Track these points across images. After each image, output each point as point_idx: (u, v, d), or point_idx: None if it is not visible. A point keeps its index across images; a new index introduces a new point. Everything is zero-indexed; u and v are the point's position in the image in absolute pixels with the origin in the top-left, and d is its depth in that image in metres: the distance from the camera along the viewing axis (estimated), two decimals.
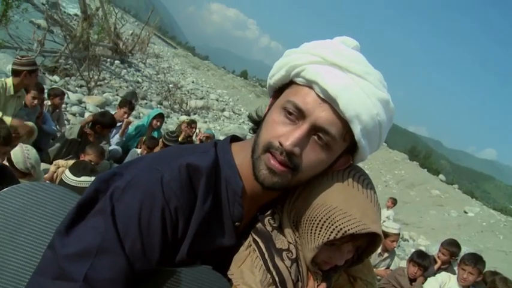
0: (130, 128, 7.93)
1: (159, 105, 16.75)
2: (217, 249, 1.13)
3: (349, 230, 1.03)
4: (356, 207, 1.07)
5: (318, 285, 1.17)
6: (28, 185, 1.14)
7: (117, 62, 20.06)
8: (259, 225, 1.18)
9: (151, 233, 1.00)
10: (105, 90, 13.92)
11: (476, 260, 5.11)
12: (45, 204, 1.13)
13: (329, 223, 1.06)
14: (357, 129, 1.05)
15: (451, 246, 6.20)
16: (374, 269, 5.98)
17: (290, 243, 1.15)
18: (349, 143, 1.10)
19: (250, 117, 1.25)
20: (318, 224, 1.08)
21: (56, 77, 12.00)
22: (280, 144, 1.04)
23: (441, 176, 36.43)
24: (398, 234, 6.54)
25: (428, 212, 22.40)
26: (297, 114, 1.05)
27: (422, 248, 9.23)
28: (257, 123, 1.19)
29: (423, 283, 5.25)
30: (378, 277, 5.97)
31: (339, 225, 1.04)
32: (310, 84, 1.06)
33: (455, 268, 5.59)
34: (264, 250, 1.12)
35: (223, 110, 26.10)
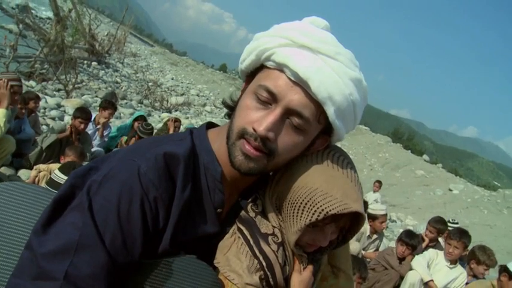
0: (113, 129, 7.88)
1: (139, 104, 16.60)
2: (200, 238, 1.12)
3: (330, 210, 1.03)
4: (337, 187, 1.07)
5: (304, 268, 1.17)
6: (0, 185, 1.11)
7: (94, 63, 19.80)
8: (242, 212, 1.18)
9: (132, 225, 0.98)
10: (84, 92, 13.71)
11: (461, 234, 5.25)
12: (19, 204, 1.11)
13: (310, 205, 1.06)
14: (330, 111, 1.04)
15: (437, 223, 6.36)
16: (363, 252, 6.07)
17: (275, 227, 1.15)
18: (324, 124, 1.10)
19: (224, 103, 1.24)
20: (299, 206, 1.08)
21: (32, 82, 11.79)
22: (254, 130, 1.03)
23: (425, 156, 36.78)
24: (386, 215, 6.59)
25: (414, 192, 22.67)
26: (269, 98, 1.04)
27: (410, 228, 9.34)
28: (231, 108, 1.18)
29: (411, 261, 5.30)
30: (368, 259, 6.01)
31: (320, 206, 1.04)
32: (280, 68, 1.04)
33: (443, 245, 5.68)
34: (248, 236, 1.12)
35: (204, 105, 25.98)
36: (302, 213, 1.07)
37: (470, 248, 5.54)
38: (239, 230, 1.14)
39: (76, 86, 13.16)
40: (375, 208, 6.62)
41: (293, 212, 1.09)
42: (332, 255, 1.33)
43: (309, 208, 1.06)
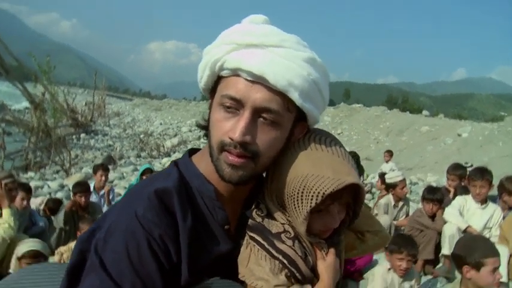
0: (123, 193, 7.92)
1: (137, 158, 16.67)
2: (217, 258, 1.13)
3: (326, 190, 1.04)
4: (325, 167, 1.08)
5: (326, 253, 1.18)
6: (30, 268, 1.20)
7: (82, 135, 19.98)
8: (249, 221, 1.18)
9: (147, 267, 1.00)
10: (82, 165, 13.81)
11: (482, 172, 5.17)
12: (40, 283, 1.16)
13: (306, 192, 1.06)
14: (295, 96, 1.05)
15: (456, 170, 6.29)
16: (394, 222, 6.03)
17: (284, 224, 1.15)
18: (295, 111, 1.11)
19: (198, 125, 1.26)
20: (297, 197, 1.08)
21: (30, 173, 11.90)
22: (231, 139, 1.04)
23: (425, 112, 36.60)
24: (404, 179, 6.56)
25: (426, 149, 22.47)
26: (235, 105, 1.05)
27: (433, 184, 9.25)
28: (206, 127, 1.19)
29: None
30: (402, 228, 6.01)
31: (316, 189, 1.05)
32: (235, 73, 1.06)
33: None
34: (262, 241, 1.12)
35: (199, 138, 26.01)
36: (301, 202, 1.07)
37: (496, 182, 5.41)
38: (251, 238, 1.14)
39: (72, 162, 13.27)
40: (391, 176, 6.61)
41: (293, 204, 1.09)
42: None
43: (306, 195, 1.06)
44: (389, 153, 14.25)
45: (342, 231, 1.24)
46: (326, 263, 1.15)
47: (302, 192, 1.07)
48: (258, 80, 1.03)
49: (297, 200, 1.08)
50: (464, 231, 4.93)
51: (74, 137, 19.15)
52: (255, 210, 1.19)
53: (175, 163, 1.22)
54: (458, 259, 3.05)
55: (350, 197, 1.15)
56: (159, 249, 1.02)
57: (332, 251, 1.18)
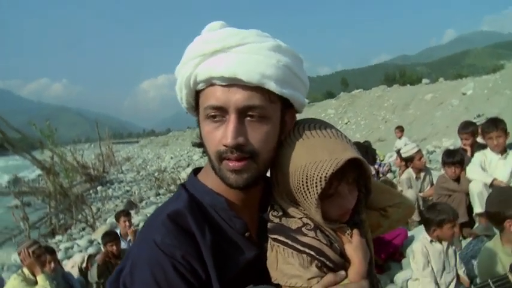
0: None
1: (157, 197, 16.75)
2: (246, 267, 1.13)
3: (327, 173, 1.05)
4: (320, 151, 1.09)
5: (350, 236, 1.16)
6: None
7: (99, 188, 20.09)
8: (268, 224, 1.18)
9: None
10: (105, 217, 13.90)
11: (495, 122, 5.12)
12: None
13: (309, 181, 1.07)
14: (272, 86, 1.06)
15: (466, 128, 6.19)
16: (420, 194, 5.98)
17: (301, 218, 1.14)
18: (279, 101, 1.11)
19: (194, 144, 1.26)
20: (302, 188, 1.09)
21: (58, 237, 12.02)
22: (225, 145, 1.05)
23: (425, 81, 36.44)
24: (419, 150, 6.52)
25: (434, 116, 22.32)
26: (220, 113, 1.06)
27: (450, 148, 9.17)
28: (201, 144, 1.19)
29: None
30: (429, 198, 5.93)
31: (317, 175, 1.06)
32: (210, 83, 1.07)
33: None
34: (285, 240, 1.11)
35: None
36: (308, 192, 1.08)
37: (511, 130, 5.32)
38: (274, 240, 1.14)
39: (95, 216, 13.37)
40: (406, 150, 6.57)
41: (302, 196, 1.10)
42: (370, 202, 1.30)
43: (310, 184, 1.07)
44: (400, 129, 14.21)
45: (361, 211, 1.23)
46: (353, 245, 1.14)
47: (306, 183, 1.08)
48: (233, 82, 1.04)
49: (304, 191, 1.09)
50: (491, 185, 4.86)
51: (91, 191, 19.30)
52: (271, 212, 1.20)
53: (182, 185, 1.24)
54: (496, 216, 2.98)
55: (355, 173, 1.15)
56: (185, 271, 1.03)
57: (356, 231, 1.17)
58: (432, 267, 3.69)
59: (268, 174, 1.23)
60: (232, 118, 1.05)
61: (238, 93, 1.04)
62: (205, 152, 1.17)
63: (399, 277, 4.66)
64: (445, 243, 3.75)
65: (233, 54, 1.06)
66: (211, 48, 1.07)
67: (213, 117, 1.07)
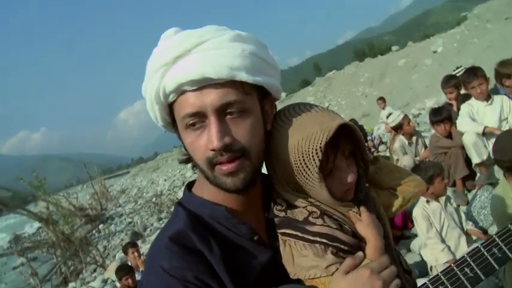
0: None
1: (160, 221, 16.65)
2: (263, 270, 1.10)
3: (321, 143, 1.04)
4: (310, 125, 1.08)
5: (360, 214, 1.15)
6: None
7: (100, 226, 19.94)
8: (275, 220, 1.16)
9: None
10: (114, 253, 13.80)
11: (474, 71, 5.11)
12: None
13: (306, 155, 1.06)
14: (244, 76, 1.02)
15: (448, 82, 6.17)
16: (417, 158, 5.99)
17: (306, 206, 1.13)
18: (254, 90, 1.08)
19: (180, 162, 1.22)
20: (301, 166, 1.07)
21: (71, 284, 11.88)
22: (213, 150, 1.01)
23: (394, 48, 36.80)
24: (405, 115, 6.57)
25: (411, 79, 22.50)
26: (198, 119, 1.02)
27: (435, 106, 9.21)
28: (188, 159, 1.15)
29: None
30: (426, 159, 5.89)
31: (312, 148, 1.05)
32: (180, 91, 1.02)
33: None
34: (294, 232, 1.10)
35: None
36: (308, 168, 1.06)
37: (490, 75, 5.40)
38: (283, 234, 1.12)
39: (103, 255, 13.26)
40: (392, 120, 6.60)
41: (303, 175, 1.08)
42: (379, 182, 1.32)
43: (307, 159, 1.06)
44: (382, 100, 14.31)
45: (364, 187, 1.22)
46: (364, 223, 1.13)
47: (303, 159, 1.07)
48: (203, 84, 1.00)
49: (303, 170, 1.08)
50: (483, 133, 4.90)
51: (93, 232, 19.14)
52: (274, 207, 1.17)
53: (178, 203, 1.19)
54: (508, 162, 2.89)
55: (349, 145, 1.14)
56: None
57: (363, 209, 1.16)
58: (436, 228, 3.67)
59: (264, 170, 1.20)
60: (212, 120, 1.01)
61: (211, 93, 1.00)
62: (194, 165, 1.12)
63: (415, 244, 4.64)
64: (442, 200, 3.75)
65: (195, 54, 1.01)
66: (171, 55, 1.02)
67: (192, 125, 1.03)
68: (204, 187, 1.14)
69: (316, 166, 1.05)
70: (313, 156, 1.05)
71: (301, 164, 1.07)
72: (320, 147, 1.04)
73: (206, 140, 1.02)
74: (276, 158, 1.13)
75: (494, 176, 5.02)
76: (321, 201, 1.13)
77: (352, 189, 1.16)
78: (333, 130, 1.04)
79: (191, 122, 1.03)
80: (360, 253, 1.08)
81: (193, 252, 1.03)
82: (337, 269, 1.04)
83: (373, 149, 9.14)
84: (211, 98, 1.00)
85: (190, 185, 1.24)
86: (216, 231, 1.10)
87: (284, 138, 1.10)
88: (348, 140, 1.12)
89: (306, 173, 1.07)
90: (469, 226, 3.90)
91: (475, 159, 4.94)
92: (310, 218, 1.10)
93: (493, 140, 4.74)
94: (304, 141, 1.06)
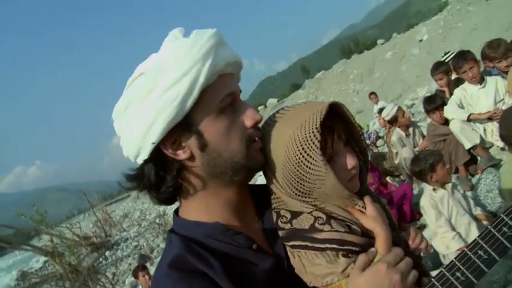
0: None
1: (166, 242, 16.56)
2: (269, 278, 1.09)
3: (316, 124, 1.04)
4: (301, 114, 1.08)
5: (365, 208, 1.13)
6: None
7: (107, 253, 19.74)
8: (280, 233, 1.14)
9: None
10: (123, 279, 13.71)
11: (463, 55, 5.05)
12: None
13: (304, 142, 1.05)
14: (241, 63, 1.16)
15: (437, 68, 6.11)
16: (416, 149, 5.93)
17: (311, 212, 1.10)
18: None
19: (162, 201, 1.16)
20: (302, 156, 1.05)
21: None
22: (255, 123, 1.11)
23: (380, 41, 36.98)
24: (399, 107, 6.55)
25: (401, 70, 22.55)
26: (232, 100, 1.10)
27: (428, 95, 9.20)
28: (174, 197, 1.17)
29: None
30: (426, 149, 5.81)
31: (309, 132, 1.04)
32: (223, 71, 1.08)
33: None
34: (303, 243, 1.08)
35: None
36: (309, 156, 1.05)
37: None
38: (292, 247, 1.11)
39: (113, 282, 13.16)
40: (386, 113, 6.57)
41: (306, 166, 1.05)
42: None
43: (307, 146, 1.04)
44: (374, 95, 14.38)
45: (365, 178, 1.23)
46: (370, 216, 1.11)
47: (302, 147, 1.05)
48: (235, 70, 1.13)
49: (304, 158, 1.05)
50: (469, 119, 4.89)
51: (100, 259, 18.95)
52: (278, 220, 1.15)
53: (170, 231, 1.19)
54: None
55: (343, 128, 1.14)
56: None
57: (368, 199, 1.14)
58: (445, 215, 3.63)
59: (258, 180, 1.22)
60: (243, 102, 1.13)
61: (236, 79, 1.15)
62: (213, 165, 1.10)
63: (425, 235, 4.51)
64: (449, 187, 3.70)
65: (225, 44, 1.11)
66: (213, 40, 1.06)
67: (230, 105, 1.09)
68: (190, 208, 1.16)
69: (318, 148, 1.04)
70: (311, 139, 1.04)
71: (301, 153, 1.05)
72: (317, 128, 1.03)
73: (241, 122, 1.10)
74: (274, 161, 1.12)
75: (495, 158, 4.97)
76: (327, 199, 1.10)
77: (357, 178, 1.15)
78: (325, 109, 1.05)
79: (229, 101, 1.08)
80: (372, 249, 1.07)
81: (195, 274, 1.03)
82: (352, 268, 1.04)
83: (371, 145, 9.07)
84: (237, 83, 1.14)
85: (177, 212, 1.23)
86: (213, 248, 1.09)
87: (277, 137, 1.10)
88: (342, 125, 1.13)
89: (308, 161, 1.05)
90: (477, 211, 3.84)
91: (467, 145, 4.92)
92: (317, 225, 1.08)
93: (486, 123, 4.84)
94: (299, 129, 1.05)
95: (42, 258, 21.45)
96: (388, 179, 6.35)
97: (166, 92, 1.00)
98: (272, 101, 47.14)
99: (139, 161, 1.08)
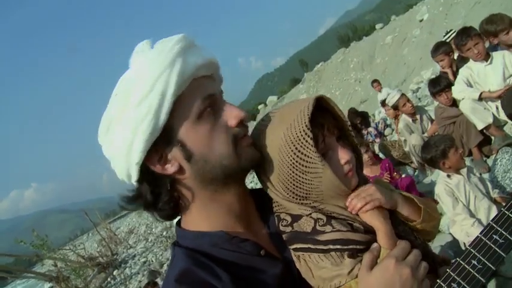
0: None
1: None
2: (279, 282, 1.08)
3: (305, 122, 1.03)
4: (288, 114, 1.08)
5: (364, 204, 1.11)
6: None
7: (114, 272, 19.65)
8: (283, 236, 1.14)
9: None
10: None
11: (466, 32, 4.79)
12: None
13: (297, 142, 1.04)
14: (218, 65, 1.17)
15: (437, 50, 5.83)
16: (425, 135, 5.66)
17: (311, 213, 1.10)
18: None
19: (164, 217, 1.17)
20: (296, 156, 1.05)
21: None
22: (240, 121, 1.08)
23: (378, 26, 37.27)
24: (402, 94, 6.40)
25: (403, 54, 22.41)
26: (212, 102, 1.07)
27: (432, 77, 8.91)
28: (175, 213, 1.16)
29: None
30: (435, 134, 5.63)
31: (300, 129, 1.04)
32: (196, 75, 1.05)
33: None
34: (306, 246, 1.08)
35: None
36: (304, 155, 1.04)
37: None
38: (295, 250, 1.11)
39: None
40: (389, 101, 6.51)
41: (302, 165, 1.05)
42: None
43: (300, 145, 1.04)
44: (377, 82, 14.19)
45: (361, 174, 1.22)
46: (371, 212, 1.09)
47: (295, 147, 1.05)
48: (210, 72, 1.11)
49: (299, 157, 1.05)
50: (481, 99, 4.70)
51: (109, 279, 18.74)
52: (279, 224, 1.15)
53: (174, 244, 1.17)
54: None
55: (333, 121, 1.14)
56: None
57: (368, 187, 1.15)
58: (462, 202, 3.49)
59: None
60: (225, 102, 1.11)
61: (216, 80, 1.15)
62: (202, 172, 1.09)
63: (443, 224, 4.37)
64: (464, 172, 3.57)
65: (195, 47, 1.10)
66: (173, 52, 1.03)
67: (210, 108, 1.06)
68: (193, 218, 1.14)
69: (311, 145, 1.04)
70: (303, 137, 1.04)
71: (295, 153, 1.05)
72: (306, 126, 1.04)
73: (225, 122, 1.07)
74: (267, 165, 1.11)
75: (510, 136, 4.77)
76: (325, 199, 1.10)
77: (353, 173, 1.15)
78: (312, 104, 1.05)
79: (208, 104, 1.05)
80: (375, 244, 1.06)
81: (203, 286, 1.01)
82: (359, 268, 1.02)
83: (377, 139, 8.70)
84: (217, 84, 1.14)
85: (179, 223, 1.22)
86: (220, 258, 1.08)
87: (268, 142, 1.10)
88: (332, 120, 1.14)
89: (303, 160, 1.05)
90: (496, 194, 3.69)
91: (479, 125, 4.71)
92: (318, 227, 1.08)
93: (498, 101, 4.65)
94: (289, 130, 1.06)
95: (47, 285, 21.26)
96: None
97: (137, 108, 1.01)
98: (272, 99, 47.19)
99: (133, 182, 1.09)
